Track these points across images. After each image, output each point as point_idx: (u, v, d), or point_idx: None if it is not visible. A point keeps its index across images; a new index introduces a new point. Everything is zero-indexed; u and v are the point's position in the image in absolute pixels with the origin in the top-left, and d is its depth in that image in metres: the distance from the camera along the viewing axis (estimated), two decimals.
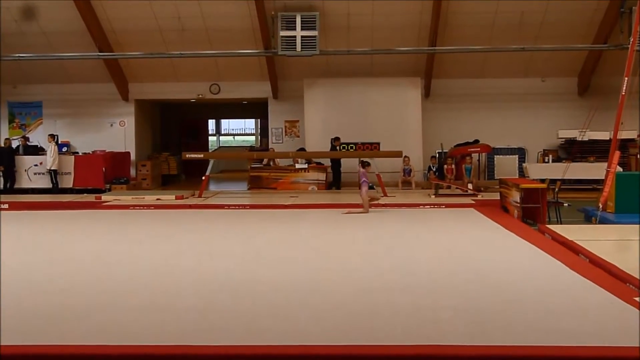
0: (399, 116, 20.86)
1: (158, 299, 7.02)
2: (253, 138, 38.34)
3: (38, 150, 21.02)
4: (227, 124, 39.56)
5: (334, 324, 6.03)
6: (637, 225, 10.70)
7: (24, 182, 20.08)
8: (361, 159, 15.69)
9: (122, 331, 5.84)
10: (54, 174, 19.58)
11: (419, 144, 20.81)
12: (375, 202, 14.97)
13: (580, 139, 17.87)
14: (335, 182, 20.03)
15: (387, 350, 5.24)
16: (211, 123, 35.26)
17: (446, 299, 6.91)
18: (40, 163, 20.02)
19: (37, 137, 22.27)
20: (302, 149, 20.94)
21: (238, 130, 40.54)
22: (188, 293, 7.26)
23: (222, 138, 39.03)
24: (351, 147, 20.53)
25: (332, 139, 19.94)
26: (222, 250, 10.24)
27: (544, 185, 13.59)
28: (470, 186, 18.06)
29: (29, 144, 21.28)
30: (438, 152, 20.59)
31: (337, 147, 19.81)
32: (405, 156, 19.37)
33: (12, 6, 19.29)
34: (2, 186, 19.55)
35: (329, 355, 5.18)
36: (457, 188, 18.15)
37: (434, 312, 6.40)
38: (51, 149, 19.56)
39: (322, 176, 20.05)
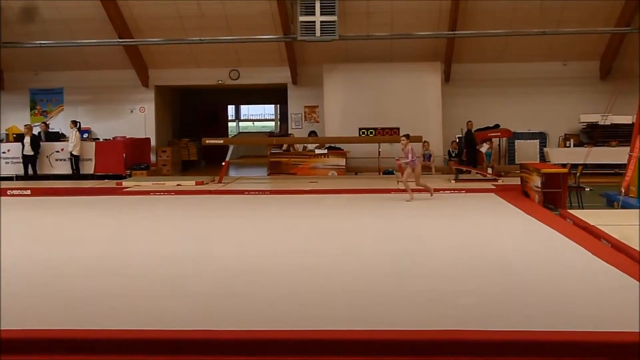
0: (419, 101, 20.76)
1: (174, 284, 7.05)
2: (272, 124, 38.36)
3: (59, 137, 21.15)
4: (246, 110, 39.61)
5: (353, 309, 6.04)
6: None
7: (46, 168, 20.24)
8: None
9: (140, 315, 5.89)
10: (76, 159, 19.70)
11: (438, 129, 20.72)
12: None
13: (602, 123, 17.74)
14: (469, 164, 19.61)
15: (407, 335, 5.24)
16: (231, 109, 35.31)
17: (467, 283, 6.89)
18: (62, 149, 20.15)
19: (58, 123, 22.41)
20: (314, 132, 21.00)
21: (257, 116, 40.57)
22: (204, 278, 7.30)
23: (241, 124, 39.10)
24: (371, 133, 20.50)
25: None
26: (241, 236, 10.22)
27: (565, 170, 13.51)
28: (490, 171, 17.98)
29: (50, 130, 21.41)
30: (458, 137, 20.49)
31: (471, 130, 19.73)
32: (425, 141, 19.31)
33: None
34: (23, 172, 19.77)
35: (347, 340, 5.17)
36: (477, 173, 18.07)
37: (454, 296, 6.38)
38: (73, 135, 19.68)
39: (341, 161, 20.03)
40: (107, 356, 5.12)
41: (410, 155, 13.88)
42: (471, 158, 19.62)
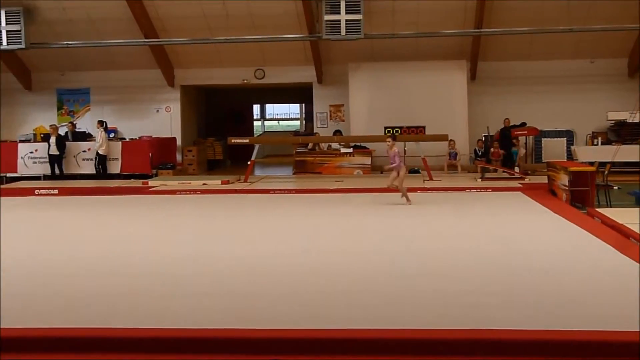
0: (445, 99, 20.69)
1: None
2: (298, 123, 38.41)
3: (86, 137, 21.30)
4: (271, 109, 39.69)
5: (378, 309, 6.02)
6: None
7: (73, 168, 20.39)
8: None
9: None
10: (103, 159, 19.80)
11: (464, 127, 20.63)
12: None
13: (630, 121, 17.53)
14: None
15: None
16: (256, 108, 35.39)
17: (493, 283, 6.84)
18: (89, 149, 20.29)
19: (85, 123, 22.59)
20: (339, 131, 21.03)
21: (283, 115, 40.64)
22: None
23: (266, 123, 39.18)
24: (396, 131, 20.44)
25: None
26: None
27: (593, 168, 13.38)
28: (517, 169, 17.84)
29: (77, 130, 21.57)
30: (485, 136, 20.37)
31: None
32: (451, 140, 19.23)
33: None
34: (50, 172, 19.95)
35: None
36: (504, 171, 17.95)
37: (478, 296, 6.32)
38: (99, 135, 19.80)
39: (367, 160, 20.00)
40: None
41: (397, 159, 13.09)
42: (506, 156, 19.37)
